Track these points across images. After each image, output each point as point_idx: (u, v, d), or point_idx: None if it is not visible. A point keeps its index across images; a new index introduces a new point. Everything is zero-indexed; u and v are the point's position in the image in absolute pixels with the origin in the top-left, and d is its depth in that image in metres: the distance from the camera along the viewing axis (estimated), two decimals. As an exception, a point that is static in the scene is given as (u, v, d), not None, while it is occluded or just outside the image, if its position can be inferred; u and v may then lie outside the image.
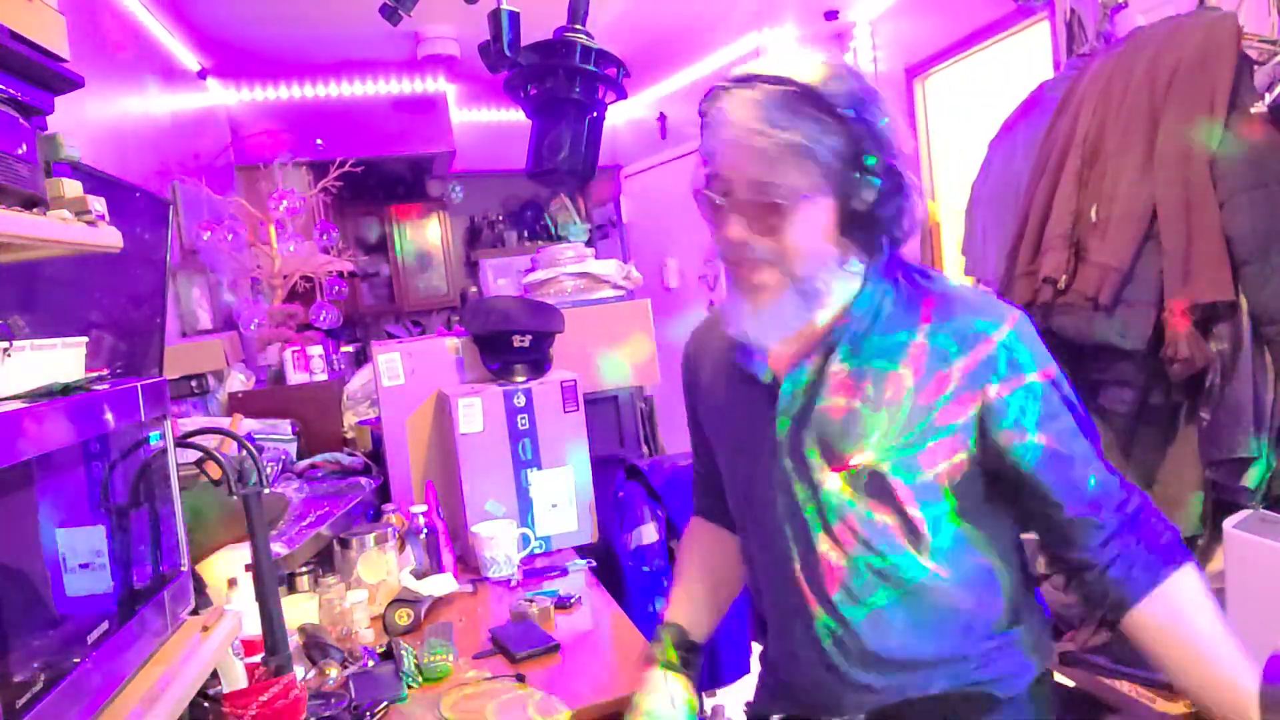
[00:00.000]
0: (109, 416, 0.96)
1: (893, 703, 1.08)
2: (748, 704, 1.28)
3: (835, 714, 1.11)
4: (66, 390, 0.92)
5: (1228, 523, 1.50)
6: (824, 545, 1.06)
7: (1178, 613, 1.02)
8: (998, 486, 1.05)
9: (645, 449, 2.72)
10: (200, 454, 1.29)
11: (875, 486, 1.03)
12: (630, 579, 2.25)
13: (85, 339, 1.13)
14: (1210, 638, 1.00)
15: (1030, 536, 1.10)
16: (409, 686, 1.48)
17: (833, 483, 1.05)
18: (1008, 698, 1.09)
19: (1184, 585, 1.02)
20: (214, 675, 1.33)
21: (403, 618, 1.74)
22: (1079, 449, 1.02)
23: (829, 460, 1.04)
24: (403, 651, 1.56)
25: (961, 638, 1.07)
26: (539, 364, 2.31)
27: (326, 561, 1.96)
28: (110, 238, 1.09)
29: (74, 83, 1.07)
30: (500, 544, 2.03)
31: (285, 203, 3.38)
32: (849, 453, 1.03)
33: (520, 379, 2.25)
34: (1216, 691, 0.98)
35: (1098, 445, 1.04)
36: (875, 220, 0.99)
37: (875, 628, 1.05)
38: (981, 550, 1.07)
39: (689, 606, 1.27)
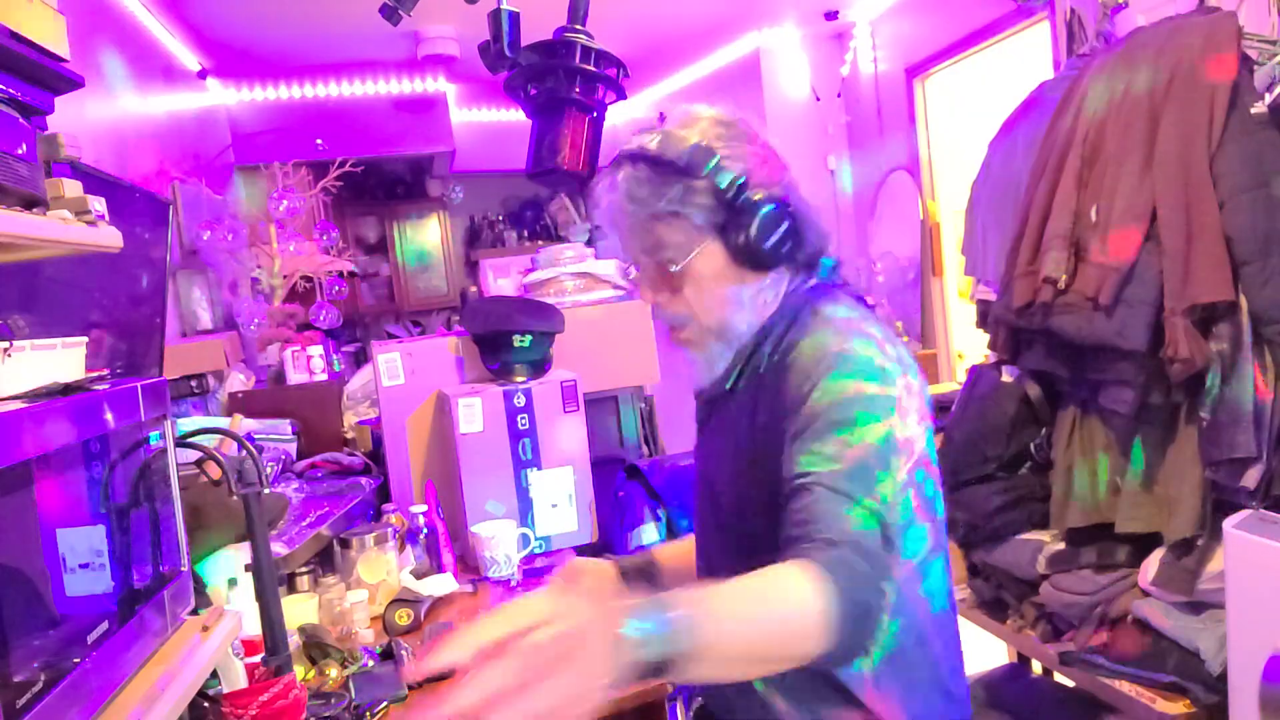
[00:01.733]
0: (109, 416, 0.96)
1: None
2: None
3: None
4: (67, 390, 0.92)
5: (1228, 523, 1.50)
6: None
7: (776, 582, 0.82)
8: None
9: (645, 449, 2.72)
10: (200, 454, 1.29)
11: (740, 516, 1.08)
12: (630, 579, 2.25)
13: (85, 339, 1.13)
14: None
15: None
16: (409, 687, 1.48)
17: (720, 503, 1.12)
18: None
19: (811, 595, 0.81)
20: (214, 675, 1.33)
21: (403, 618, 1.74)
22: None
23: (715, 479, 1.13)
24: (403, 651, 1.56)
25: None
26: (539, 364, 2.31)
27: (326, 561, 1.96)
28: (110, 238, 1.09)
29: (74, 83, 1.07)
30: (500, 544, 2.03)
31: (285, 203, 3.38)
32: (722, 476, 1.10)
33: (520, 379, 2.25)
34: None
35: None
36: (765, 249, 1.03)
37: None
38: None
39: (674, 557, 1.32)
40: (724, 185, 1.01)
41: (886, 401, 0.95)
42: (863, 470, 0.89)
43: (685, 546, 1.35)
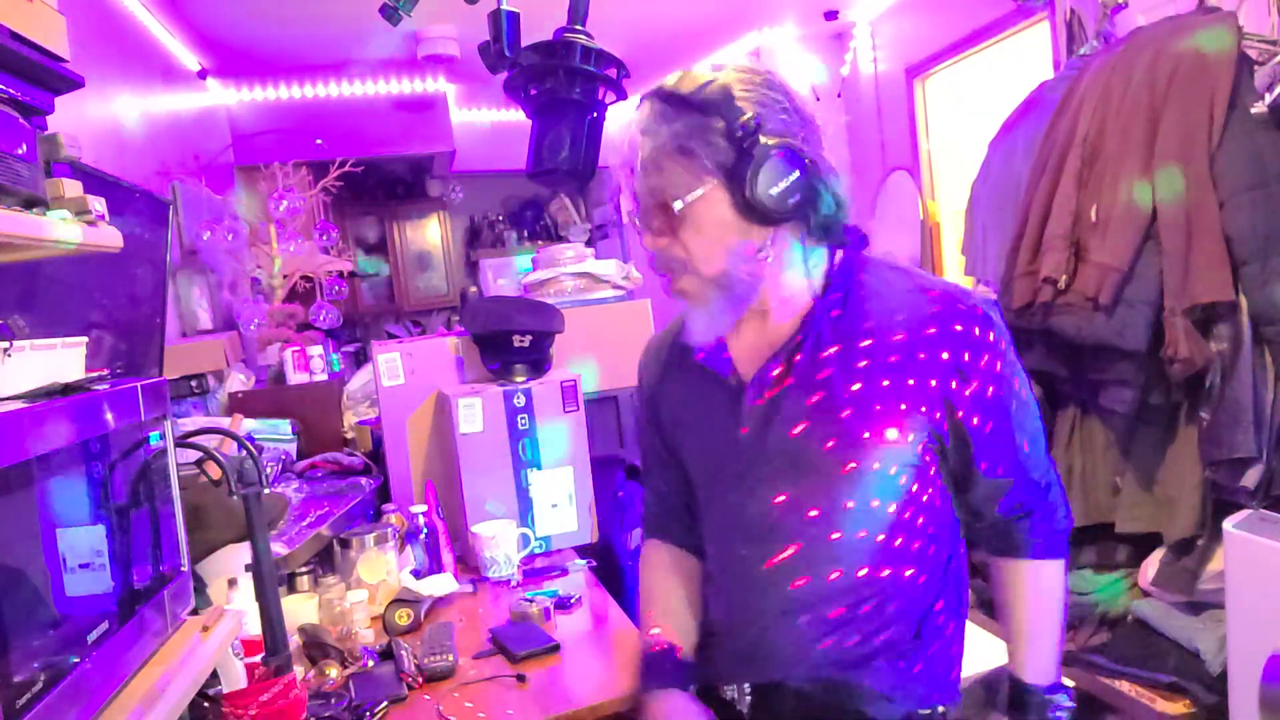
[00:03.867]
0: (109, 416, 0.96)
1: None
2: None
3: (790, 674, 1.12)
4: (67, 390, 0.92)
5: (1228, 523, 1.50)
6: (783, 539, 1.10)
7: (1038, 592, 1.16)
8: (951, 475, 1.13)
9: (645, 449, 2.72)
10: (200, 454, 1.29)
11: (825, 487, 1.07)
12: (630, 579, 2.25)
13: (85, 339, 1.13)
14: (1041, 626, 1.16)
15: None
16: (409, 687, 1.48)
17: (788, 483, 1.09)
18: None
19: (1051, 574, 1.17)
20: (214, 675, 1.33)
21: (403, 618, 1.74)
22: (1018, 424, 1.10)
23: (788, 464, 1.09)
24: (403, 651, 1.56)
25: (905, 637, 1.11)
26: (539, 364, 2.31)
27: (326, 561, 1.96)
28: (110, 238, 1.09)
29: (74, 83, 1.07)
30: (500, 544, 2.03)
31: (285, 203, 3.38)
32: (806, 457, 1.08)
33: (520, 379, 2.25)
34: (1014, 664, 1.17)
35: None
36: (772, 201, 1.00)
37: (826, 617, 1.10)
38: (936, 546, 1.13)
39: (666, 624, 1.24)
40: (735, 125, 0.99)
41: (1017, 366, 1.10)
42: (1038, 448, 1.13)
43: (675, 608, 1.26)
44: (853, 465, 1.05)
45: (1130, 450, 1.81)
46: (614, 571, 2.23)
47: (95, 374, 1.08)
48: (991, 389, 1.06)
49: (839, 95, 4.46)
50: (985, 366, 1.05)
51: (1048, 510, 1.16)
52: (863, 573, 1.08)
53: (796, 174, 1.00)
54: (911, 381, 1.04)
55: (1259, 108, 1.60)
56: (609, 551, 2.25)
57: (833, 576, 1.08)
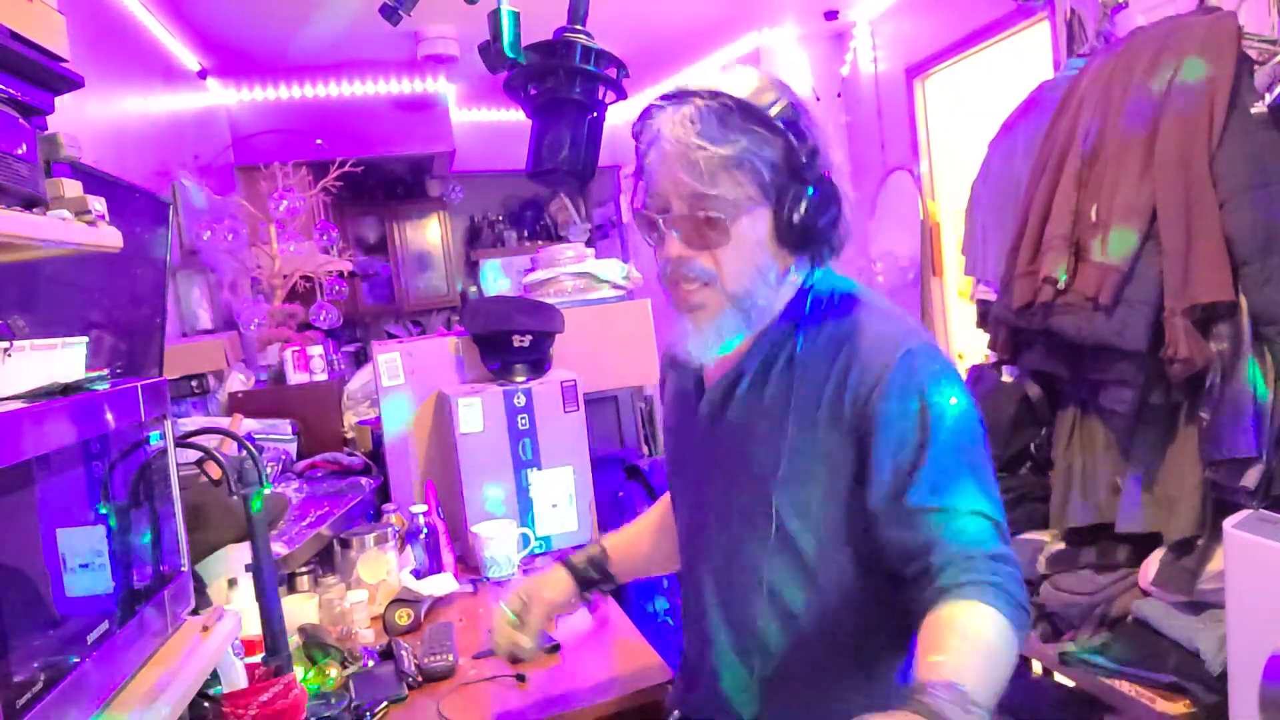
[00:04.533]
0: (109, 416, 0.96)
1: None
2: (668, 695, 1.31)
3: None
4: (66, 390, 0.92)
5: (1228, 523, 1.50)
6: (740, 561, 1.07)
7: (985, 630, 0.84)
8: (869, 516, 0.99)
9: (645, 449, 2.72)
10: (200, 454, 1.29)
11: (766, 508, 1.02)
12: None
13: (85, 339, 1.13)
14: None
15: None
16: (409, 686, 1.48)
17: (737, 496, 1.07)
18: None
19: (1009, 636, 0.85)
20: (214, 675, 1.33)
21: (403, 618, 1.74)
22: (960, 480, 0.93)
23: (734, 476, 1.07)
24: (403, 651, 1.56)
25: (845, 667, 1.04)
26: (539, 364, 2.31)
27: (326, 561, 1.96)
28: (110, 238, 1.09)
29: (74, 83, 1.07)
30: (500, 544, 2.03)
31: (285, 203, 3.38)
32: (748, 471, 1.04)
33: (520, 379, 2.25)
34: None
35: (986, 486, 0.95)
36: (811, 231, 0.99)
37: (778, 645, 1.05)
38: (862, 581, 1.03)
39: (625, 544, 1.38)
40: (800, 149, 0.96)
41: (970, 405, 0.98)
42: (983, 483, 0.94)
43: (634, 533, 1.41)
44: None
45: (1130, 450, 1.81)
46: (614, 571, 2.23)
47: (95, 374, 1.08)
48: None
49: (839, 95, 4.46)
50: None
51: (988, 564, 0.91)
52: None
53: (835, 208, 1.00)
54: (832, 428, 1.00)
55: (1259, 108, 1.60)
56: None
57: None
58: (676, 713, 1.21)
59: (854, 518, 1.00)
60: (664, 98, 1.00)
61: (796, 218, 0.98)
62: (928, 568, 0.90)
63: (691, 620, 1.18)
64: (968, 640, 0.82)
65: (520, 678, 1.49)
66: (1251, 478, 1.56)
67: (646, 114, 1.02)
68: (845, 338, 1.01)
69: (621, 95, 1.80)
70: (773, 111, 0.96)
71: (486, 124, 5.47)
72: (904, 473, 0.94)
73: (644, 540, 1.39)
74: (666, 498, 1.35)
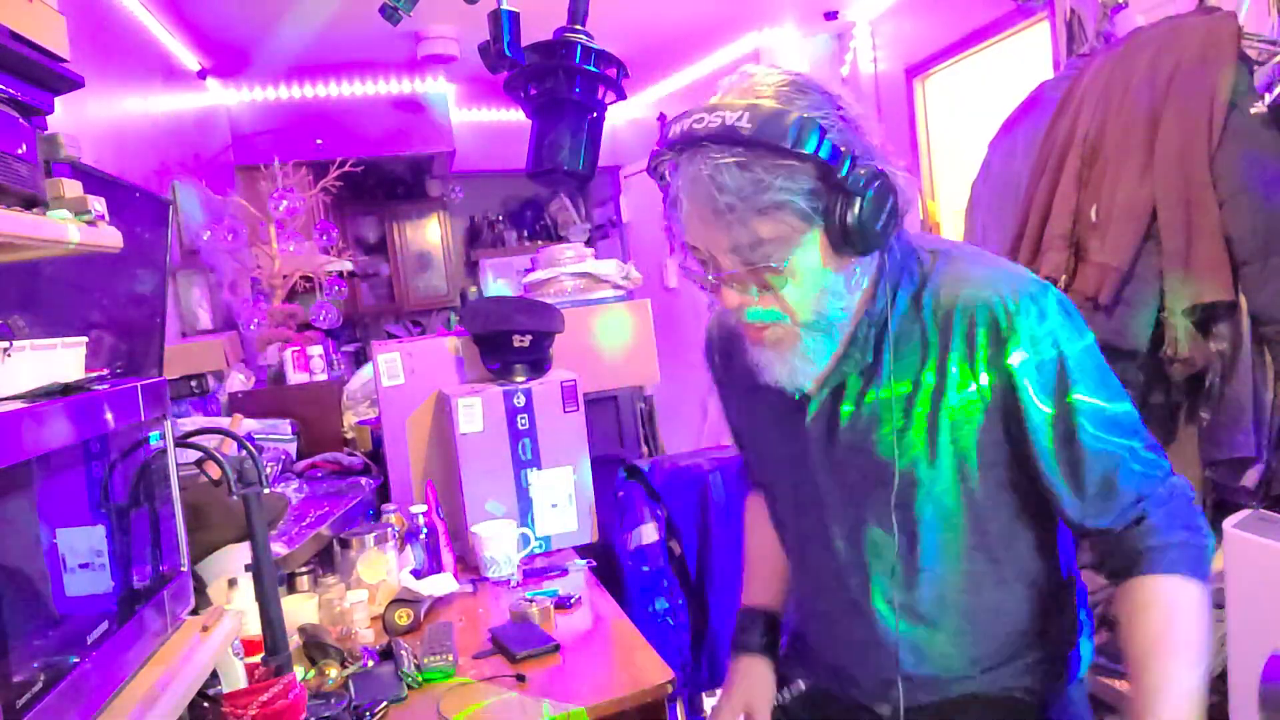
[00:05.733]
0: (109, 416, 0.96)
1: (931, 701, 1.08)
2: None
3: (876, 700, 1.11)
4: (66, 390, 0.92)
5: (1228, 523, 1.50)
6: (868, 542, 1.06)
7: (1171, 612, 0.93)
8: (1026, 468, 1.00)
9: (645, 449, 2.72)
10: (200, 454, 1.29)
11: (905, 485, 1.01)
12: (630, 579, 2.25)
13: (85, 339, 1.13)
14: (1173, 652, 0.92)
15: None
16: (409, 687, 1.48)
17: (868, 484, 1.03)
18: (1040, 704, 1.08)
19: (1194, 596, 0.94)
20: (214, 675, 1.33)
21: (403, 618, 1.74)
22: (1107, 422, 0.95)
23: (862, 466, 1.03)
24: (403, 651, 1.56)
25: (1000, 641, 1.06)
26: (539, 364, 2.31)
27: (326, 561, 1.96)
28: (110, 238, 1.09)
29: (74, 83, 1.07)
30: (500, 544, 2.03)
31: (285, 203, 3.38)
32: (879, 457, 1.01)
33: (520, 379, 2.25)
34: (1138, 692, 0.92)
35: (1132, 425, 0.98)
36: (869, 232, 0.91)
37: (917, 626, 1.06)
38: (1016, 549, 1.05)
39: (766, 586, 1.29)
40: (834, 164, 0.87)
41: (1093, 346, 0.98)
42: (1138, 434, 0.97)
43: (767, 573, 1.31)
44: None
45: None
46: (614, 571, 2.23)
47: (95, 374, 1.08)
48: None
49: (839, 95, 4.46)
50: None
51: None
52: None
53: (891, 199, 0.92)
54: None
55: (1259, 108, 1.61)
56: (609, 551, 2.25)
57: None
58: (800, 683, 1.22)
59: (1012, 463, 1.00)
60: (676, 144, 0.92)
61: (851, 226, 0.90)
62: (1117, 513, 0.96)
63: (830, 610, 1.15)
64: (1182, 639, 0.90)
65: (520, 678, 1.49)
66: (1251, 478, 1.57)
67: (662, 162, 0.96)
68: (951, 297, 0.97)
69: (621, 95, 1.81)
70: (794, 138, 0.86)
71: (486, 124, 5.47)
72: (1065, 416, 0.94)
73: (778, 576, 1.30)
74: (753, 511, 1.34)
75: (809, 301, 0.95)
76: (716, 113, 0.89)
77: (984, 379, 0.96)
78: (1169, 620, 0.91)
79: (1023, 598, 1.06)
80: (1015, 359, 0.94)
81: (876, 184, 0.90)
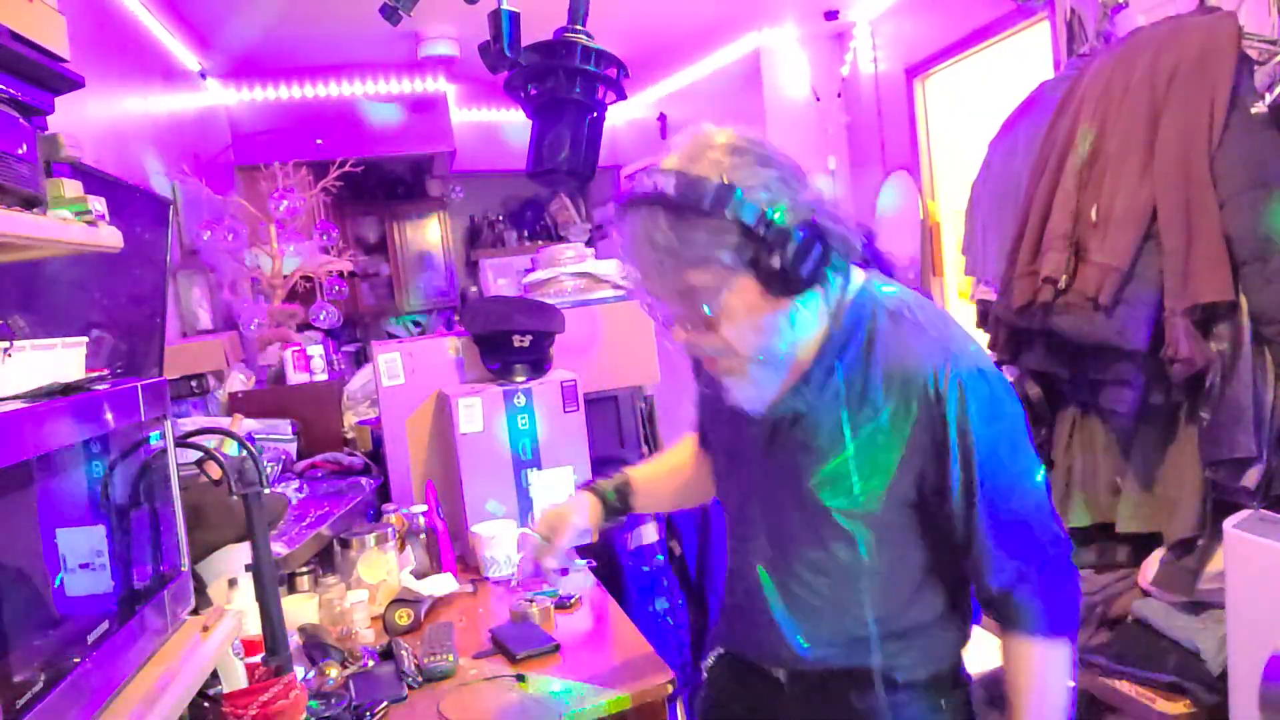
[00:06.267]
0: (109, 416, 0.96)
1: (814, 670, 1.17)
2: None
3: (772, 664, 1.21)
4: (67, 390, 0.92)
5: (1228, 523, 1.50)
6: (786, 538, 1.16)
7: (1037, 675, 1.12)
8: (928, 512, 1.11)
9: (645, 449, 2.72)
10: (200, 454, 1.29)
11: (822, 504, 1.11)
12: (630, 579, 2.25)
13: (85, 339, 1.13)
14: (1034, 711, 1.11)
15: None
16: (409, 686, 1.48)
17: (791, 498, 1.13)
18: (905, 682, 1.16)
19: (1056, 658, 1.11)
20: (214, 675, 1.33)
21: (403, 618, 1.74)
22: (1009, 495, 1.07)
23: (792, 478, 1.13)
24: (403, 651, 1.56)
25: (878, 624, 1.14)
26: (539, 364, 2.31)
27: (326, 561, 1.96)
28: (110, 238, 1.10)
29: (74, 83, 1.07)
30: (500, 544, 2.03)
31: (285, 203, 3.38)
32: (809, 475, 1.11)
33: (520, 379, 2.24)
34: None
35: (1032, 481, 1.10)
36: (797, 276, 0.99)
37: (810, 602, 1.15)
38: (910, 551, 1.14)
39: (649, 480, 1.43)
40: (752, 222, 0.97)
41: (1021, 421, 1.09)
42: (1040, 507, 1.10)
43: (658, 471, 1.47)
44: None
45: (1130, 450, 1.81)
46: (614, 571, 2.23)
47: (95, 374, 1.08)
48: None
49: (839, 95, 4.46)
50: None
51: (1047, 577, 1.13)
52: None
53: (817, 246, 0.99)
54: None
55: (1259, 108, 1.61)
56: (609, 551, 2.25)
57: None
58: (720, 649, 1.30)
59: (919, 505, 1.10)
60: (622, 203, 1.04)
61: (777, 272, 0.99)
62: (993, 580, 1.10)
63: (746, 584, 1.23)
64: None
65: (520, 678, 1.49)
66: (1251, 478, 1.56)
67: (614, 212, 1.07)
68: (893, 362, 1.06)
69: (621, 95, 1.81)
70: (710, 196, 0.96)
71: (486, 124, 5.47)
72: (970, 485, 1.05)
73: (668, 481, 1.45)
74: (687, 443, 1.43)
75: (747, 338, 1.05)
76: (653, 176, 1.01)
77: (915, 437, 1.05)
78: (1033, 680, 1.11)
79: (910, 592, 1.16)
80: (942, 427, 1.04)
81: (803, 235, 0.98)
